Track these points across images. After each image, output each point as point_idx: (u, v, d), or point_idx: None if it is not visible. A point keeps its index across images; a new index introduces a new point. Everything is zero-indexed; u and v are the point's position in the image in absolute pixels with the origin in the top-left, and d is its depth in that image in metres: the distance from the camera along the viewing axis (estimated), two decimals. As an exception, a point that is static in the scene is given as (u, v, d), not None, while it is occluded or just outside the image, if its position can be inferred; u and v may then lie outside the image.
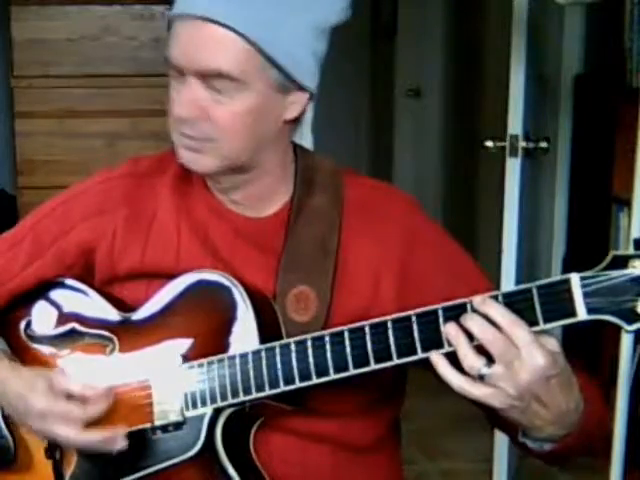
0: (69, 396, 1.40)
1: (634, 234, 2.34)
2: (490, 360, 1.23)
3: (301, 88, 1.42)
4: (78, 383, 1.40)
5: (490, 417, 1.40)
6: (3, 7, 3.37)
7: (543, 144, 2.97)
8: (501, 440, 3.02)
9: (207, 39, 1.36)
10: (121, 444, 1.39)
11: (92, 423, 1.41)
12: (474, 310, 1.25)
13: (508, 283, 2.93)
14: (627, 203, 2.71)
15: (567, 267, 3.73)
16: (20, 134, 3.36)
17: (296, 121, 1.47)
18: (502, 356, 1.22)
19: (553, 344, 1.25)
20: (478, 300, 1.25)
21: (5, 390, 1.45)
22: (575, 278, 1.24)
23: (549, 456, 1.37)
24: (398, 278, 1.46)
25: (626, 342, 2.42)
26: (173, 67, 1.41)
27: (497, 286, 3.02)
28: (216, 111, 1.39)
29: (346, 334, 1.32)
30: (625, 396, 2.38)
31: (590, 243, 3.56)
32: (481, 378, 1.23)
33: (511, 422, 1.29)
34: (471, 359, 1.23)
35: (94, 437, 1.40)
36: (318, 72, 1.44)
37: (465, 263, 1.52)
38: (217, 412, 1.39)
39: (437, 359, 1.25)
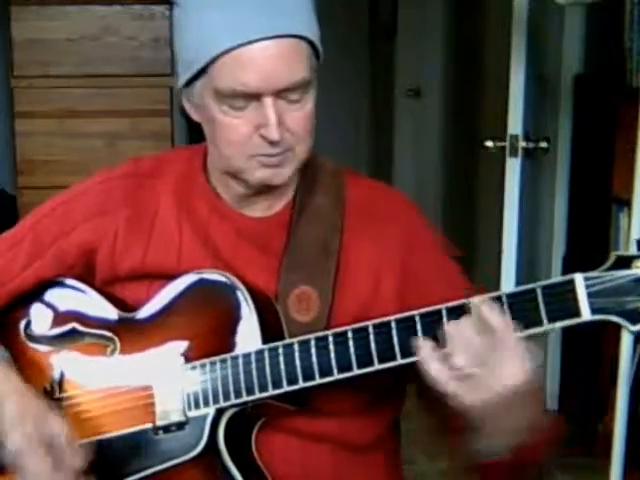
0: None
1: (634, 234, 2.34)
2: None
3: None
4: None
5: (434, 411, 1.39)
6: (3, 7, 3.37)
7: (543, 144, 2.97)
8: (501, 440, 3.02)
9: (280, 56, 1.35)
10: None
11: (92, 425, 1.42)
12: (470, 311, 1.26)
13: (508, 283, 2.94)
14: (627, 203, 2.71)
15: (567, 267, 3.73)
16: (20, 134, 3.36)
17: None
18: (489, 358, 1.23)
19: (539, 355, 1.27)
20: (477, 301, 1.26)
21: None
22: (579, 278, 1.25)
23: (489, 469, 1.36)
24: (398, 279, 1.46)
25: (626, 342, 2.42)
26: (240, 96, 1.37)
27: (497, 286, 3.04)
28: (294, 120, 1.38)
29: (350, 334, 1.33)
30: (625, 396, 2.38)
31: (590, 243, 3.56)
32: (465, 377, 1.23)
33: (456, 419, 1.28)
34: (460, 357, 1.24)
35: None
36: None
37: (455, 269, 1.53)
38: (219, 412, 1.39)
39: (423, 343, 1.26)
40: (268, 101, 1.36)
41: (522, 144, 2.86)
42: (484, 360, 1.23)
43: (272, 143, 1.38)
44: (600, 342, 3.19)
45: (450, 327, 1.26)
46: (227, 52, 1.35)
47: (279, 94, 1.36)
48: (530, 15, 2.78)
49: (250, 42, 1.34)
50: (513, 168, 2.90)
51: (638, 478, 2.90)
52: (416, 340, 1.28)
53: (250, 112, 1.37)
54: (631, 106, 2.51)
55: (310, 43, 1.38)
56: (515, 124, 2.85)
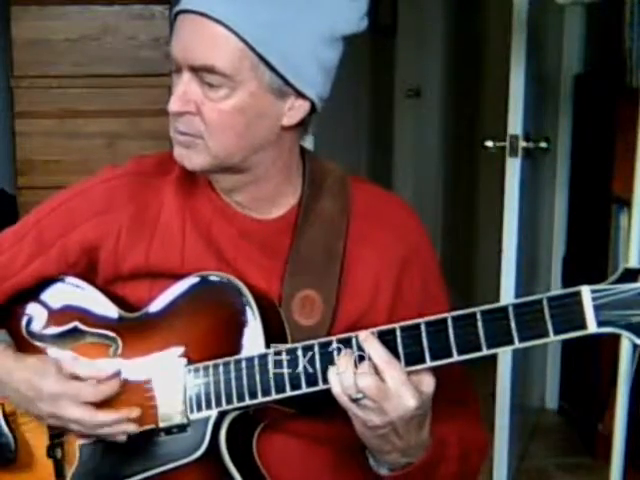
0: (78, 379, 1.41)
1: (634, 234, 2.33)
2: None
3: (300, 95, 1.42)
4: (86, 366, 1.42)
5: None
6: (3, 7, 3.37)
7: (543, 144, 2.97)
8: (501, 440, 3.03)
9: (202, 35, 1.37)
10: (132, 429, 1.40)
11: None
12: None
13: (508, 283, 2.94)
14: (627, 203, 2.71)
15: (567, 267, 3.74)
16: (20, 134, 3.36)
17: (301, 127, 1.46)
18: (374, 395, 1.28)
19: (428, 384, 1.31)
20: (362, 336, 1.31)
21: (12, 379, 1.46)
22: (586, 291, 1.25)
23: None
24: (393, 291, 1.47)
25: (626, 342, 2.42)
26: (172, 62, 1.41)
27: (497, 286, 3.04)
28: (206, 107, 1.39)
29: (354, 340, 1.32)
30: (625, 396, 2.38)
31: (590, 243, 3.56)
32: (355, 400, 1.29)
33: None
34: (349, 382, 1.29)
35: (106, 417, 1.40)
36: (324, 81, 1.43)
37: (437, 285, 1.54)
38: (221, 415, 1.39)
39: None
40: (182, 74, 1.39)
41: (522, 144, 2.86)
42: (371, 396, 1.28)
43: (173, 115, 1.41)
44: (600, 342, 3.19)
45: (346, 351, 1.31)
46: (176, 15, 1.40)
47: (198, 74, 1.38)
48: (530, 15, 2.78)
49: (185, 11, 1.39)
50: (513, 168, 2.90)
51: (638, 478, 2.90)
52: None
53: (178, 82, 1.41)
54: (631, 106, 2.51)
55: (251, 48, 1.36)
56: (515, 124, 2.85)
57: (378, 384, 1.28)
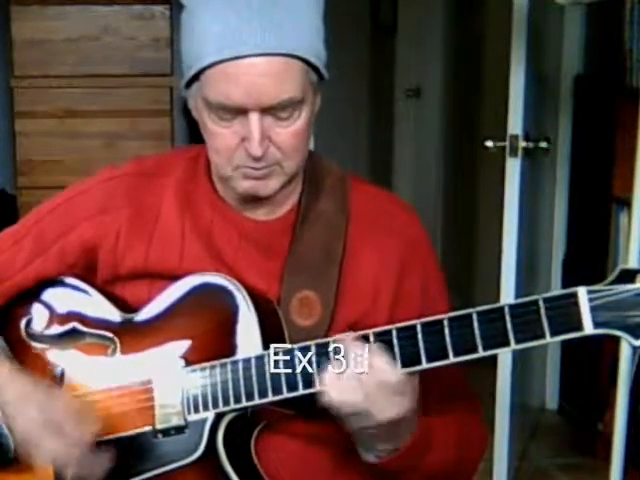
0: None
1: (634, 234, 2.33)
2: None
3: (321, 80, 1.42)
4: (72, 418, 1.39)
5: None
6: (3, 7, 3.37)
7: (543, 144, 2.97)
8: (501, 440, 3.02)
9: (270, 74, 1.34)
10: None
11: None
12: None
13: (508, 283, 2.94)
14: (627, 203, 2.71)
15: (567, 267, 3.73)
16: (20, 134, 3.36)
17: None
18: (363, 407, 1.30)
19: (415, 389, 1.32)
20: (346, 344, 1.31)
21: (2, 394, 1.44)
22: (582, 292, 1.25)
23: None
24: (393, 292, 1.47)
25: (626, 343, 2.41)
26: (227, 109, 1.36)
27: (497, 286, 3.04)
28: (281, 136, 1.37)
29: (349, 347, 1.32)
30: (625, 396, 2.38)
31: (590, 243, 3.56)
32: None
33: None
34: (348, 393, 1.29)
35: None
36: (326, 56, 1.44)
37: (437, 285, 1.54)
38: (219, 416, 1.39)
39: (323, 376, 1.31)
40: (253, 116, 1.35)
41: (522, 144, 2.86)
42: (367, 393, 1.29)
43: (255, 158, 1.37)
44: (600, 342, 3.19)
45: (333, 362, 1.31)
46: (215, 64, 1.35)
47: (266, 110, 1.36)
48: (530, 15, 2.78)
49: (237, 57, 1.33)
50: (513, 168, 2.89)
51: (638, 478, 2.90)
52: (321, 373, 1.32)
53: (236, 124, 1.37)
54: (631, 106, 2.51)
55: (305, 61, 1.36)
56: (515, 124, 2.85)
57: (366, 394, 1.29)
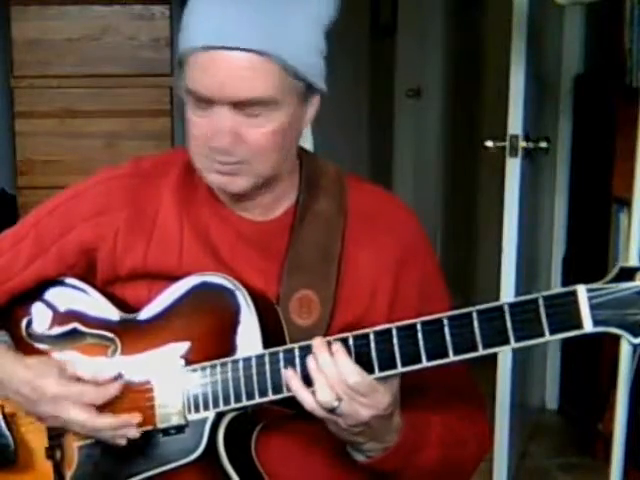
0: (80, 381, 1.41)
1: (634, 234, 2.33)
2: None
3: (316, 91, 1.42)
4: (88, 368, 1.41)
5: None
6: (3, 7, 3.37)
7: (543, 144, 2.97)
8: (501, 440, 3.02)
9: (240, 69, 1.35)
10: (133, 433, 1.40)
11: None
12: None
13: (508, 283, 2.93)
14: (627, 203, 2.71)
15: (567, 267, 3.73)
16: (20, 134, 3.36)
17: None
18: (349, 397, 1.31)
19: (393, 384, 1.33)
20: (317, 342, 1.32)
21: (12, 380, 1.45)
22: (582, 290, 1.25)
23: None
24: (391, 293, 1.48)
25: (626, 342, 2.41)
26: (200, 98, 1.38)
27: (497, 286, 3.04)
28: (251, 134, 1.38)
29: (350, 340, 1.33)
30: (625, 396, 2.38)
31: (590, 243, 3.56)
32: (331, 410, 1.31)
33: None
34: (325, 394, 1.30)
35: (108, 421, 1.40)
36: (326, 70, 1.44)
37: (436, 285, 1.55)
38: (219, 416, 1.40)
39: (291, 377, 1.33)
40: (222, 109, 1.36)
41: (522, 144, 2.86)
42: (345, 393, 1.30)
43: (219, 151, 1.38)
44: (600, 342, 3.19)
45: (311, 364, 1.32)
46: (193, 52, 1.36)
47: (237, 106, 1.36)
48: (530, 15, 2.78)
49: (212, 48, 1.35)
50: (513, 168, 2.89)
51: (638, 478, 2.90)
52: (286, 372, 1.33)
53: (212, 115, 1.38)
54: (631, 106, 2.51)
55: (286, 65, 1.36)
56: (515, 124, 2.85)
57: (351, 396, 1.30)
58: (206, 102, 1.37)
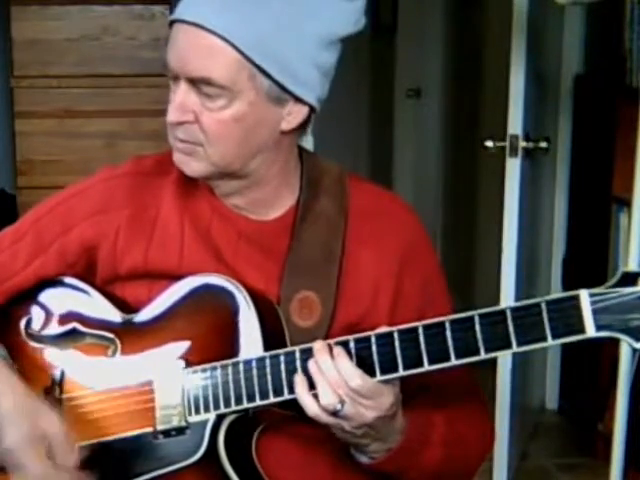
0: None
1: (634, 234, 2.33)
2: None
3: (298, 100, 1.41)
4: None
5: None
6: (3, 7, 3.37)
7: (543, 144, 2.97)
8: (501, 440, 3.02)
9: (198, 46, 1.37)
10: None
11: (92, 427, 1.42)
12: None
13: (508, 283, 2.94)
14: (627, 203, 2.71)
15: (567, 267, 3.73)
16: (20, 134, 3.35)
17: (300, 130, 1.46)
18: (352, 400, 1.30)
19: (395, 384, 1.33)
20: (317, 346, 1.33)
21: None
22: (584, 294, 1.25)
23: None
24: (393, 293, 1.47)
25: (626, 343, 2.41)
26: (169, 71, 1.41)
27: (497, 286, 3.04)
28: (205, 117, 1.39)
29: (352, 344, 1.32)
30: (625, 396, 2.38)
31: (590, 243, 3.56)
32: (334, 413, 1.30)
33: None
34: (328, 397, 1.30)
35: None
36: (322, 84, 1.43)
37: (438, 284, 1.54)
38: (220, 418, 1.39)
39: (298, 383, 1.33)
40: (179, 83, 1.39)
41: (522, 144, 2.86)
42: (348, 396, 1.30)
43: (171, 124, 1.41)
44: (600, 342, 3.19)
45: (312, 368, 1.32)
46: (171, 24, 1.40)
47: (195, 84, 1.38)
48: (530, 15, 2.78)
49: (180, 21, 1.38)
50: (513, 168, 2.89)
51: (638, 478, 2.90)
52: (295, 376, 1.33)
53: (176, 90, 1.41)
54: (631, 106, 2.51)
55: (248, 58, 1.36)
56: (515, 124, 2.85)
57: (353, 399, 1.30)
58: (174, 77, 1.40)
